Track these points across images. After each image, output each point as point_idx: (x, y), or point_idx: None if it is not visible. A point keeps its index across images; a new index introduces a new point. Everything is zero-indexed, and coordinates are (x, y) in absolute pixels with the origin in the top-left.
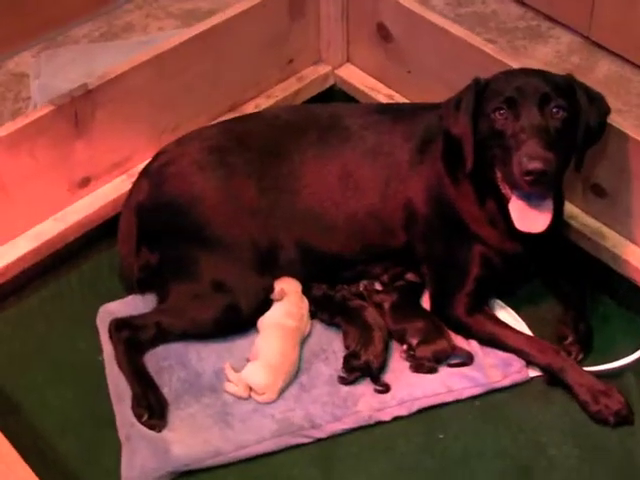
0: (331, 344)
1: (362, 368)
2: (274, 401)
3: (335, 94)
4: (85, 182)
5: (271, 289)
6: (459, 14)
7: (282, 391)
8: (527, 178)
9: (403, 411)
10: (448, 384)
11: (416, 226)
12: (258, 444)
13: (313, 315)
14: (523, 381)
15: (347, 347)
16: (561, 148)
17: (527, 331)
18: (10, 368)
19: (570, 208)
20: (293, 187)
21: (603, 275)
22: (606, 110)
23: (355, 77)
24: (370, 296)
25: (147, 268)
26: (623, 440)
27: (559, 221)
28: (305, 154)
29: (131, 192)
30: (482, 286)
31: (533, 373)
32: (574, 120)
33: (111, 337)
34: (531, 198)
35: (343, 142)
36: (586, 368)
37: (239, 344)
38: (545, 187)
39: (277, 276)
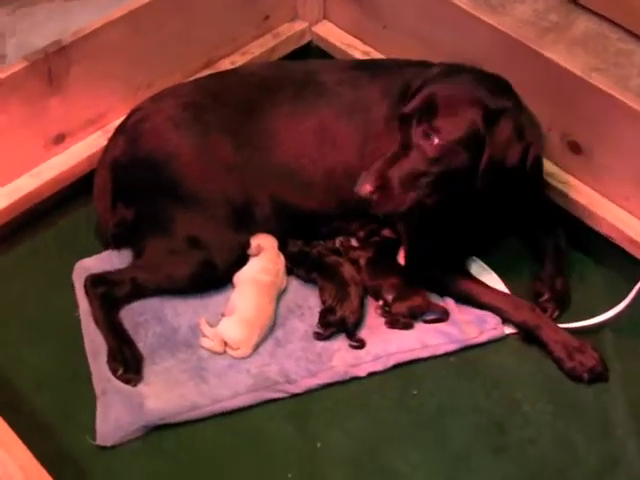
0: (307, 300)
1: (338, 323)
2: (249, 356)
3: (311, 51)
4: (60, 139)
5: (247, 245)
6: None
7: (257, 346)
8: None
9: (378, 367)
10: (423, 340)
11: None
12: (233, 398)
13: (289, 271)
14: (498, 338)
15: (323, 302)
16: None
17: (504, 288)
18: None
19: (548, 165)
20: (268, 143)
21: (580, 232)
22: (537, 150)
23: (332, 34)
24: (346, 252)
25: (123, 224)
26: (597, 396)
27: (537, 178)
28: (280, 110)
29: (106, 149)
30: (456, 243)
31: (509, 330)
32: (466, 151)
33: (87, 293)
34: None
35: (318, 98)
36: (561, 325)
37: (215, 299)
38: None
39: (253, 232)
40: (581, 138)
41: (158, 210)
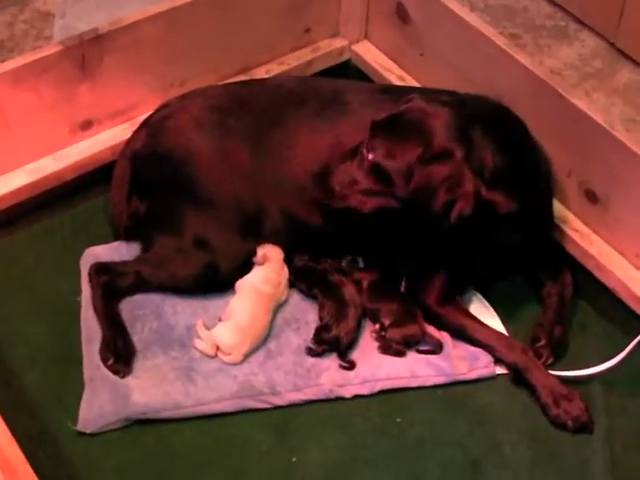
0: (305, 315)
1: (331, 342)
2: (239, 363)
3: (349, 69)
4: (87, 125)
5: (253, 253)
6: (488, 5)
7: (248, 354)
8: None
9: (364, 390)
10: (413, 369)
11: None
12: (217, 402)
13: (292, 284)
14: (489, 376)
15: (321, 319)
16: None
17: (500, 326)
18: None
19: (563, 211)
20: (284, 155)
21: (586, 282)
22: (463, 207)
23: (370, 54)
24: (351, 272)
25: (136, 216)
26: (579, 449)
27: (546, 220)
28: (301, 124)
29: (129, 140)
30: (455, 277)
31: (500, 370)
32: (394, 177)
33: (90, 280)
34: None
35: (339, 116)
36: (553, 372)
37: (215, 303)
38: None
39: (261, 242)
40: (599, 188)
41: (170, 207)
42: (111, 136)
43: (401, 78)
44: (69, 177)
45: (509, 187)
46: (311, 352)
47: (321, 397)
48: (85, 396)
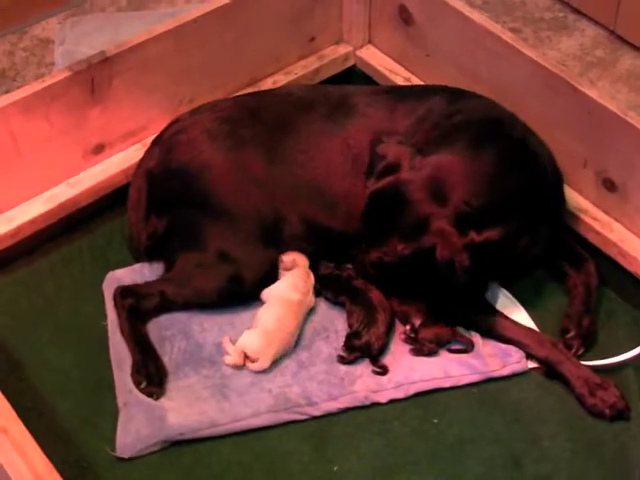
0: (333, 323)
1: (362, 348)
2: (268, 369)
3: (355, 75)
4: (99, 149)
5: (276, 262)
6: (486, 1)
7: (275, 359)
8: None
9: (399, 394)
10: (446, 369)
11: None
12: (253, 417)
13: (318, 293)
14: (521, 371)
15: (350, 326)
16: None
17: (528, 321)
18: (15, 328)
19: (581, 201)
20: (298, 160)
21: (610, 270)
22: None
23: (375, 59)
24: None
25: (155, 236)
26: (617, 435)
27: (558, 209)
28: (312, 128)
29: (142, 159)
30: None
31: (532, 364)
32: None
33: (115, 304)
34: None
35: (348, 118)
36: (585, 362)
37: (241, 317)
38: None
39: (282, 250)
40: (616, 176)
41: (189, 222)
42: (124, 158)
43: (408, 80)
44: (85, 202)
45: (503, 216)
46: (343, 360)
47: (357, 404)
48: (121, 421)
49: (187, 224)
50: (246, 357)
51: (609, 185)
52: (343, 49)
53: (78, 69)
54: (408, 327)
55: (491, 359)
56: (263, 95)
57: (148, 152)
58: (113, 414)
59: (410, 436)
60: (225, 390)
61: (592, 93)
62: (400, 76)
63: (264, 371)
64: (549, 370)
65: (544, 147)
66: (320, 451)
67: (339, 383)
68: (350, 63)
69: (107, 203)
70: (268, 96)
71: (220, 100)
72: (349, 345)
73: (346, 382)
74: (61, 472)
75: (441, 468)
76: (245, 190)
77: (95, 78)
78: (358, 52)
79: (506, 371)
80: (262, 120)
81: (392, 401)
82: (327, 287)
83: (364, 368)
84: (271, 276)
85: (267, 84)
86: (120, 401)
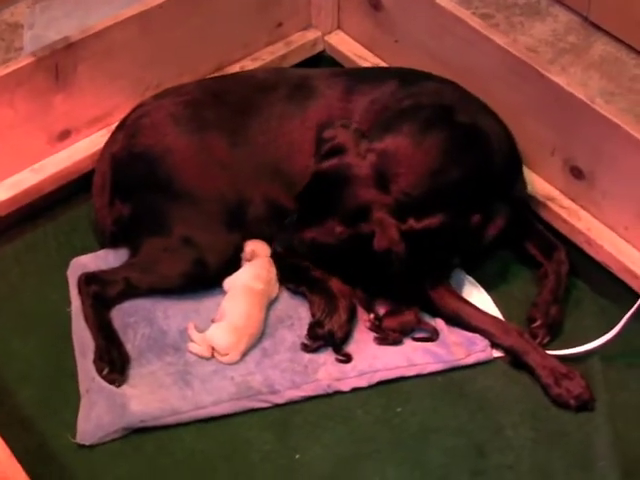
0: (297, 311)
1: (325, 337)
2: (237, 362)
3: (324, 60)
4: (65, 135)
5: (240, 247)
6: None
7: (245, 353)
8: None
9: (362, 382)
10: (410, 358)
11: None
12: (216, 405)
13: (279, 281)
14: (486, 360)
15: (313, 315)
16: None
17: (493, 308)
18: None
19: (549, 189)
20: (260, 142)
21: (577, 258)
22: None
23: (344, 44)
24: None
25: (120, 221)
26: (581, 426)
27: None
28: (273, 110)
29: (106, 144)
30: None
31: (497, 353)
32: None
33: (80, 291)
34: None
35: (307, 99)
36: (550, 352)
37: (206, 304)
38: None
39: (246, 234)
40: (584, 164)
41: (153, 207)
42: (90, 144)
43: (376, 65)
44: (49, 189)
45: (445, 204)
46: (306, 348)
47: (320, 393)
48: (82, 408)
49: (151, 209)
50: (214, 350)
51: (577, 173)
52: (312, 34)
53: (42, 55)
54: (372, 316)
55: (456, 347)
56: (226, 78)
57: (112, 136)
58: (75, 401)
59: (373, 425)
60: (188, 377)
61: (560, 80)
62: (368, 62)
63: None
64: (515, 359)
65: (499, 128)
66: (282, 439)
67: (302, 371)
68: (319, 49)
69: (72, 190)
70: (231, 79)
71: (184, 84)
72: (312, 334)
73: (309, 370)
74: (20, 459)
75: (404, 457)
76: (209, 173)
77: (59, 64)
78: (327, 38)
79: (471, 360)
80: (225, 103)
81: (355, 389)
82: (287, 278)
83: (327, 356)
84: (235, 261)
85: (234, 70)
86: (82, 388)
